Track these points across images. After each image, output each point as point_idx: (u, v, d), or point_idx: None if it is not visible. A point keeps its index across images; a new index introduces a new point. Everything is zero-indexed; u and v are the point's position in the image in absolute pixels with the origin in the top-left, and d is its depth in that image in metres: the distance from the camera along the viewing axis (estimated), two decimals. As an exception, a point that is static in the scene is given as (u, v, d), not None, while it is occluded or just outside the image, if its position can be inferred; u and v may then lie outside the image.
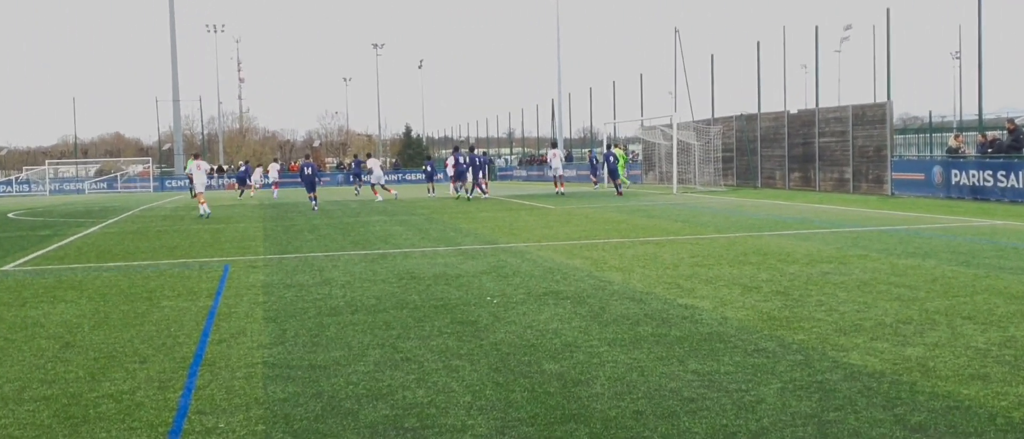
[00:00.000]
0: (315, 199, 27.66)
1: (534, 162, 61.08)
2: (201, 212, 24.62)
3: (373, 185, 33.20)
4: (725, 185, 34.38)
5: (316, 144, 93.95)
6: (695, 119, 38.39)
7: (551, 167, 35.63)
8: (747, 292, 8.71)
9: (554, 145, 38.17)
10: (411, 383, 5.64)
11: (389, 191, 33.95)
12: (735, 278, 9.66)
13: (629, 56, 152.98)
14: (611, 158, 33.08)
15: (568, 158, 57.01)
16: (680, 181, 34.44)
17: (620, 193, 31.52)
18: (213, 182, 59.80)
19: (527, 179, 57.51)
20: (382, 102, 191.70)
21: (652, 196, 29.64)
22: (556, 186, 33.64)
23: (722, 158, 35.20)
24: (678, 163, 34.24)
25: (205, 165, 26.45)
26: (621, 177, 33.53)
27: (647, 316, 7.60)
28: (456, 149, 33.43)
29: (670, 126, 34.56)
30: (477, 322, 7.55)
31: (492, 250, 13.23)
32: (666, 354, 6.22)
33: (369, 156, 37.25)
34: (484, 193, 30.73)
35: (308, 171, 27.81)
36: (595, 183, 37.95)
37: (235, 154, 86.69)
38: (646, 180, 42.56)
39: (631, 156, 49.61)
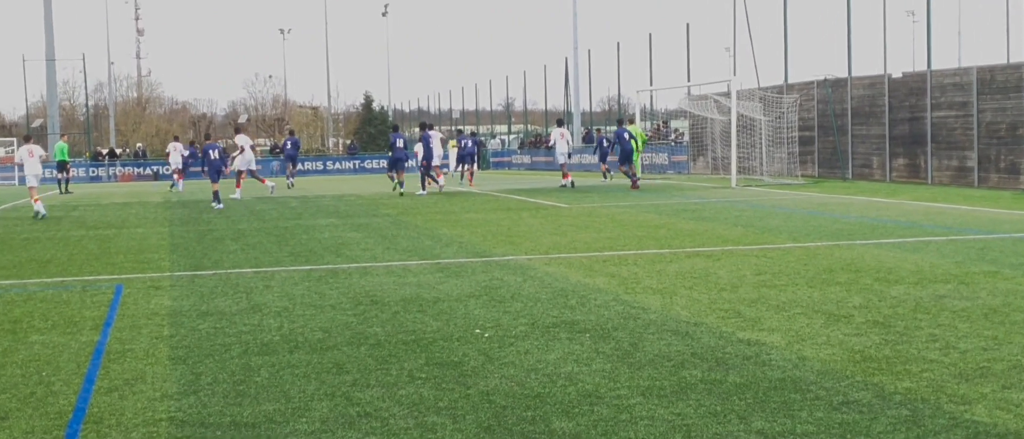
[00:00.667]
0: (217, 195, 27.72)
1: (540, 144, 61.13)
2: (35, 211, 24.87)
3: (240, 172, 32.50)
4: (802, 176, 34.44)
5: (243, 119, 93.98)
6: (762, 86, 38.46)
7: (555, 151, 35.80)
8: (833, 323, 8.71)
9: (560, 123, 38.18)
10: (371, 448, 5.63)
11: (263, 181, 33.54)
12: (816, 304, 9.67)
13: (671, 1, 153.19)
14: (626, 136, 33.08)
15: (587, 138, 57.13)
16: (741, 170, 34.50)
17: (636, 185, 31.68)
18: (103, 172, 59.90)
19: (531, 167, 57.63)
20: (334, 63, 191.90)
21: (703, 190, 29.67)
22: (564, 176, 33.98)
23: (799, 139, 35.28)
24: (739, 145, 34.30)
25: (39, 151, 26.69)
26: (635, 165, 33.83)
27: (695, 356, 7.60)
28: (395, 129, 34.48)
29: (728, 95, 34.61)
30: (462, 364, 7.55)
31: (483, 265, 13.25)
32: (722, 408, 6.22)
33: (238, 132, 36.87)
34: (439, 186, 31.73)
35: (214, 155, 28.02)
36: (606, 172, 38.21)
37: (131, 133, 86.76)
38: (695, 168, 42.64)
39: (673, 136, 49.69)
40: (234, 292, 11.39)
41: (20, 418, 6.45)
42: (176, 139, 50.13)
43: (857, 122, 33.47)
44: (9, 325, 9.67)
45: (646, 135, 40.80)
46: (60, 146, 42.12)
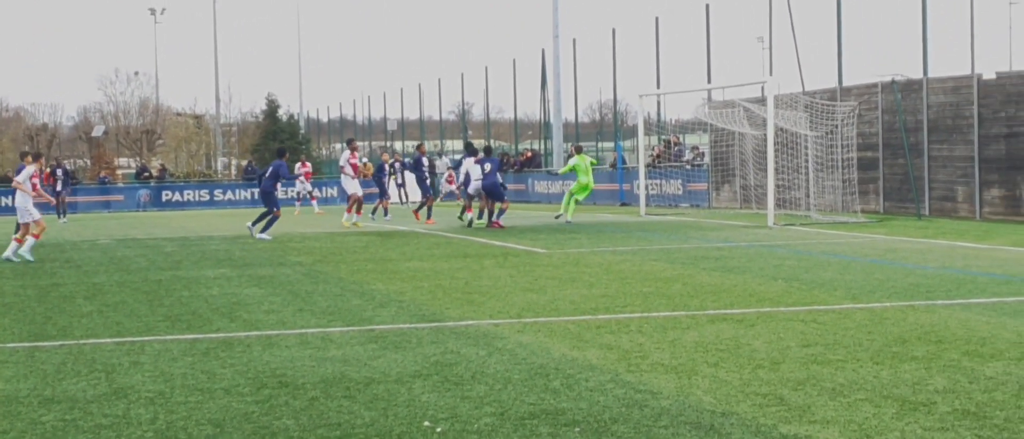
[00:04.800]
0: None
1: (511, 164, 61.34)
2: None
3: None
4: (863, 212, 34.63)
5: (98, 132, 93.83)
6: (808, 90, 38.71)
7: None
8: (908, 413, 8.75)
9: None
10: None
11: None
12: (885, 386, 9.70)
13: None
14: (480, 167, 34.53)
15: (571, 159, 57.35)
16: (781, 203, 34.66)
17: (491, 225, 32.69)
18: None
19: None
20: (225, 56, 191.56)
21: (730, 230, 29.76)
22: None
23: (858, 161, 35.51)
24: (778, 170, 34.49)
25: None
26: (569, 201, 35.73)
27: (724, 458, 7.61)
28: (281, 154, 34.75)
29: (762, 102, 34.82)
30: (406, 470, 7.54)
31: (432, 333, 13.24)
32: (761, 530, 6.23)
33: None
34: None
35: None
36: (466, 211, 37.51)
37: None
38: (718, 200, 42.82)
39: (692, 157, 49.93)
40: (89, 371, 11.31)
41: None
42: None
43: (936, 139, 33.72)
44: None
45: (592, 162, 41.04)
46: None
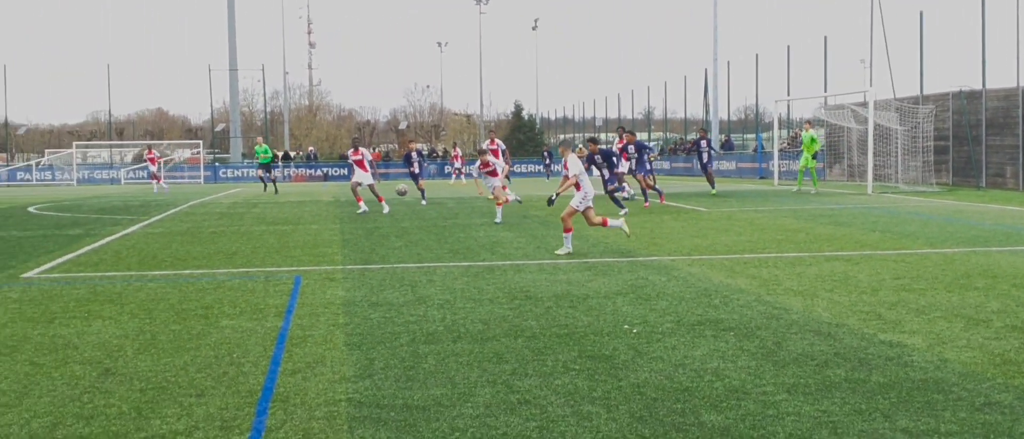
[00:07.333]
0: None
1: (681, 150, 60.54)
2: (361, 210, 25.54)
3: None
4: (937, 184, 33.39)
5: (403, 126, 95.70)
6: (898, 97, 37.40)
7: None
8: (973, 326, 8.44)
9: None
10: (532, 432, 5.69)
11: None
12: (956, 308, 9.38)
13: (809, 14, 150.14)
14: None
15: (726, 146, 56.45)
16: (877, 177, 33.61)
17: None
18: (278, 173, 61.30)
19: (670, 172, 57.14)
20: (486, 74, 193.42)
21: (839, 196, 29.02)
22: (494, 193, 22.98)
23: (934, 148, 34.23)
24: (875, 154, 33.43)
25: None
26: (810, 171, 32.60)
27: (838, 356, 7.45)
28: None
29: (864, 105, 33.74)
30: (613, 357, 7.56)
31: (628, 264, 13.21)
32: (866, 406, 6.09)
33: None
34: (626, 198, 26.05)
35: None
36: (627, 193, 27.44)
37: (303, 138, 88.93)
38: (831, 175, 41.71)
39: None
40: (400, 285, 11.59)
41: (215, 395, 6.70)
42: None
43: (991, 133, 32.31)
44: (202, 311, 10.03)
45: (819, 141, 36.08)
46: (262, 148, 40.18)
